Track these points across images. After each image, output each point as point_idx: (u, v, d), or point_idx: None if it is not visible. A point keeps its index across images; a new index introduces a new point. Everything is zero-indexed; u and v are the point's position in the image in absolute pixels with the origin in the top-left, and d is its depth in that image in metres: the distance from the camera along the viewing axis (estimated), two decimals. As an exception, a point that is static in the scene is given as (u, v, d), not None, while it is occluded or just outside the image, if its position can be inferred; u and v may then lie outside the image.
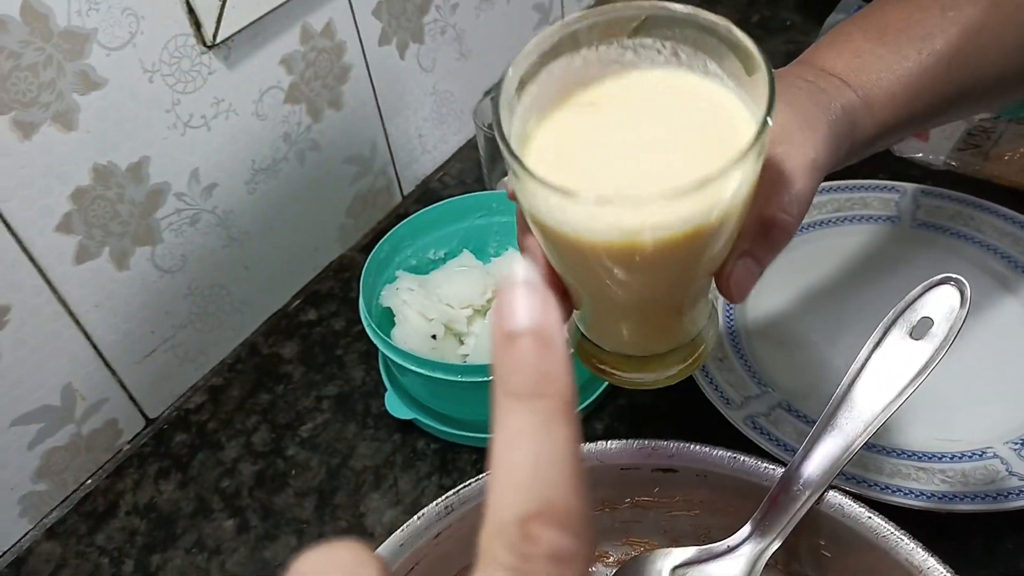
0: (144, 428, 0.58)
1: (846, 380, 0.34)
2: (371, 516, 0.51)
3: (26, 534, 0.53)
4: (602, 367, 0.34)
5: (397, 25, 0.65)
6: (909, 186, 0.63)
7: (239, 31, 0.52)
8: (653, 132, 0.29)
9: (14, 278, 0.46)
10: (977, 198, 0.61)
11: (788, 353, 0.55)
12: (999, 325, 0.54)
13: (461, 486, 0.34)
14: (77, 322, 0.51)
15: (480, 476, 0.35)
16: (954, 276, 0.33)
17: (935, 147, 0.69)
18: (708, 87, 0.29)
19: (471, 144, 0.79)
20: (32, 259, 0.47)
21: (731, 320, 0.57)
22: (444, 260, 0.61)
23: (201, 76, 0.51)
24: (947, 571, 0.30)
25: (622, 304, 0.31)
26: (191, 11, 0.48)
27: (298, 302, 0.66)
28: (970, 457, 0.47)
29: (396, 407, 0.54)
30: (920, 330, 0.33)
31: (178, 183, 0.53)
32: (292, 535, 0.51)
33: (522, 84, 0.29)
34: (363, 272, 0.55)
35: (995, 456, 0.46)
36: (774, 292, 0.59)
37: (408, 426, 0.55)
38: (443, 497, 0.34)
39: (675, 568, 0.33)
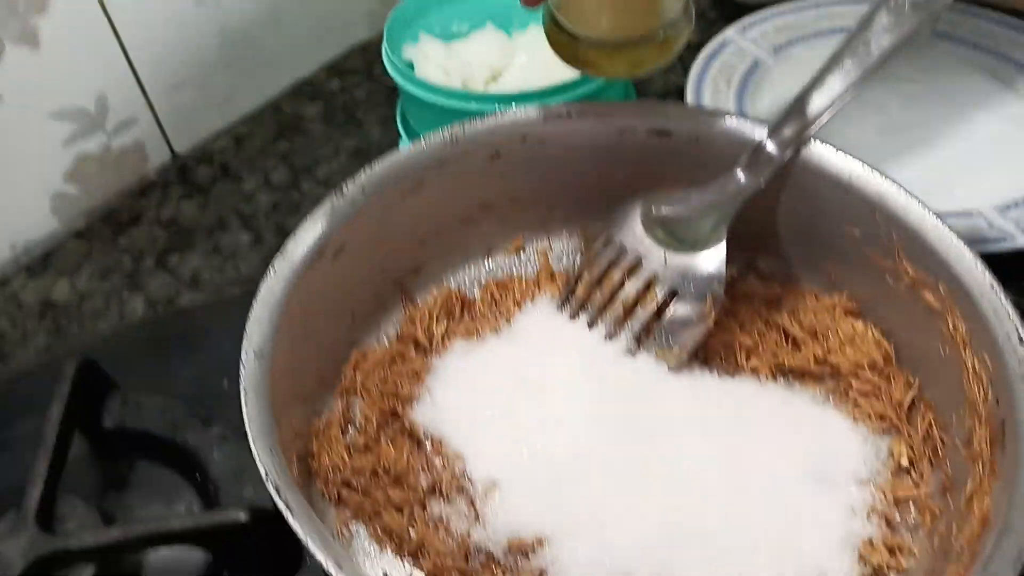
0: (170, 160, 0.61)
1: (836, 48, 0.35)
2: (378, 243, 0.54)
3: (54, 233, 0.56)
4: (576, 54, 0.35)
5: None
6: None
7: None
8: None
9: (57, -37, 0.49)
10: (993, 11, 0.61)
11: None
12: (988, 109, 0.55)
13: (466, 121, 0.36)
14: (114, 29, 0.53)
15: (485, 118, 0.37)
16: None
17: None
18: None
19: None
20: (75, -55, 0.49)
21: (741, 105, 0.58)
22: (467, 34, 0.62)
23: None
24: (907, 195, 0.32)
25: None
26: None
27: (323, 73, 0.68)
28: (956, 216, 0.48)
29: (410, 151, 0.57)
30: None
31: (217, -92, 0.54)
32: (303, 251, 0.54)
33: None
34: (387, 21, 0.56)
35: (979, 215, 0.48)
36: (787, 87, 0.59)
37: (420, 173, 0.58)
38: (447, 127, 0.36)
39: (662, 203, 0.36)
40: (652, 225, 0.35)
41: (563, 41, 0.36)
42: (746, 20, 0.64)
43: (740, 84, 0.60)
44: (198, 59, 0.59)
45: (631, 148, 0.38)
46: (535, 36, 0.61)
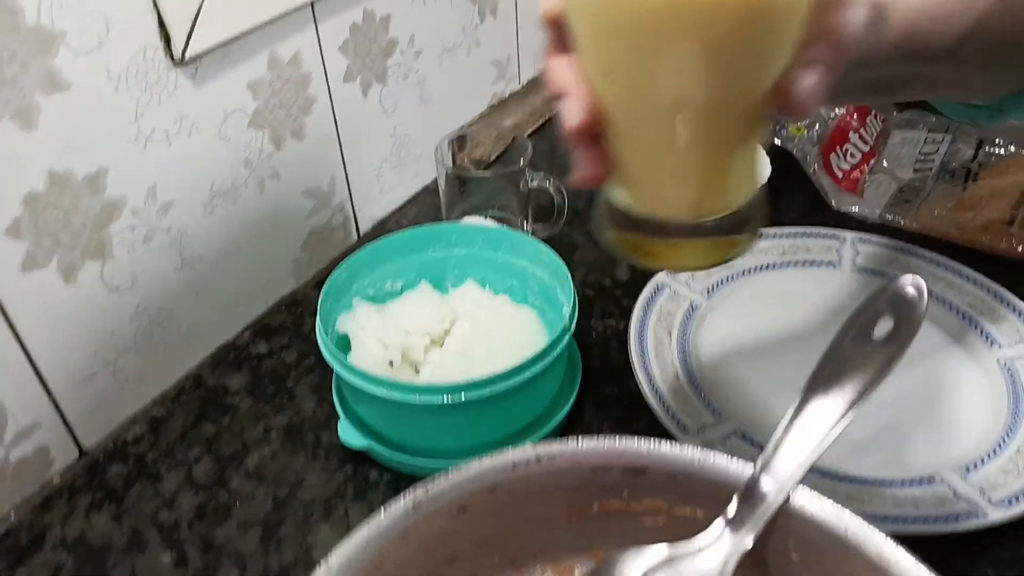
0: (77, 459, 0.54)
1: (810, 379, 0.35)
2: (319, 548, 0.49)
3: (-65, 570, 0.48)
4: (638, 244, 0.33)
5: (362, 64, 0.66)
6: (848, 233, 0.66)
7: (208, 51, 0.52)
8: None
9: (-47, 282, 0.44)
10: (911, 245, 0.64)
11: (740, 387, 0.56)
12: (939, 363, 0.56)
13: (429, 480, 0.33)
14: (16, 335, 0.48)
15: (449, 471, 0.34)
16: (911, 277, 0.34)
17: (870, 203, 0.73)
18: None
19: (428, 189, 0.80)
20: (-26, 263, 0.45)
21: (685, 355, 0.58)
22: (401, 291, 0.61)
23: (167, 91, 0.51)
24: (916, 561, 0.30)
25: (671, 121, 0.29)
26: (162, 24, 0.49)
27: (248, 334, 0.64)
28: (919, 483, 0.48)
29: (349, 435, 0.53)
30: (881, 329, 0.34)
31: (135, 198, 0.52)
32: (234, 568, 0.48)
33: None
34: (321, 296, 0.54)
35: (943, 482, 0.48)
36: (724, 330, 0.60)
37: (361, 456, 0.54)
38: (410, 491, 0.33)
39: (646, 572, 0.33)
40: (643, 594, 0.32)
41: (623, 228, 0.33)
42: (677, 261, 0.65)
43: (680, 332, 0.60)
44: (111, 345, 0.54)
45: (605, 484, 0.36)
46: (471, 293, 0.60)
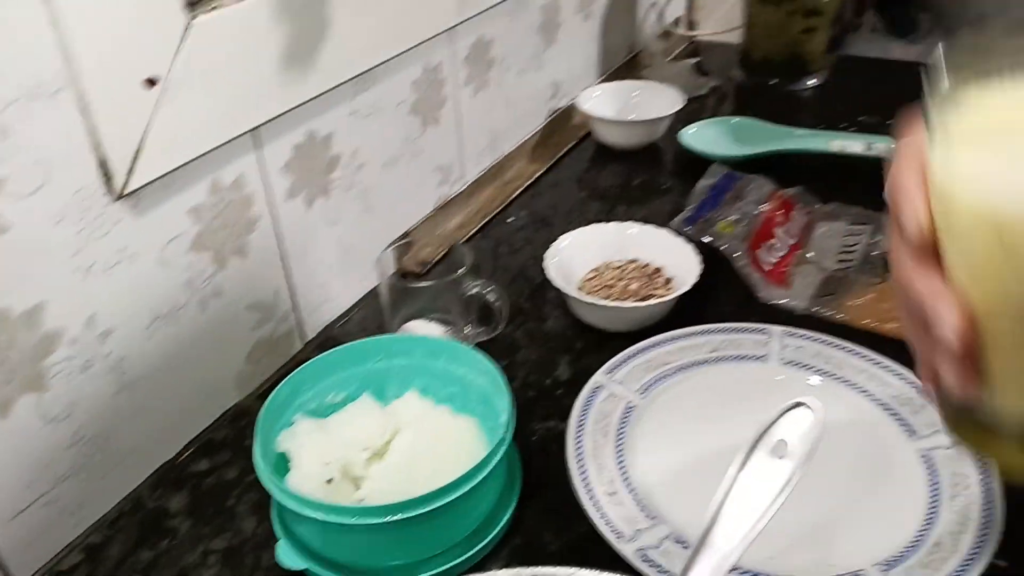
0: (8, 595, 0.54)
1: (717, 499, 0.36)
2: (258, 677, 0.48)
3: None
4: (1003, 448, 0.34)
5: (305, 181, 0.69)
6: (776, 328, 0.69)
7: (148, 183, 0.54)
8: None
9: None
10: (835, 338, 0.67)
11: (673, 488, 0.57)
12: (860, 455, 0.59)
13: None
14: (-54, 474, 0.48)
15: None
16: (805, 400, 0.36)
17: (797, 294, 0.77)
18: None
19: (373, 293, 0.81)
20: (-95, 406, 0.45)
21: (621, 456, 0.59)
22: (343, 404, 0.62)
23: (107, 225, 0.53)
24: None
25: None
26: (102, 163, 0.51)
27: (190, 452, 0.64)
28: (845, 581, 0.49)
29: (288, 557, 0.53)
30: (780, 450, 0.36)
31: (73, 328, 0.53)
32: None
33: None
34: (259, 417, 0.55)
35: (867, 578, 0.49)
36: (658, 428, 0.62)
37: (301, 577, 0.54)
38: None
39: None
40: None
41: (981, 431, 0.35)
42: (611, 362, 0.67)
43: (616, 433, 0.61)
44: (47, 476, 0.54)
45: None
46: (413, 403, 0.61)
